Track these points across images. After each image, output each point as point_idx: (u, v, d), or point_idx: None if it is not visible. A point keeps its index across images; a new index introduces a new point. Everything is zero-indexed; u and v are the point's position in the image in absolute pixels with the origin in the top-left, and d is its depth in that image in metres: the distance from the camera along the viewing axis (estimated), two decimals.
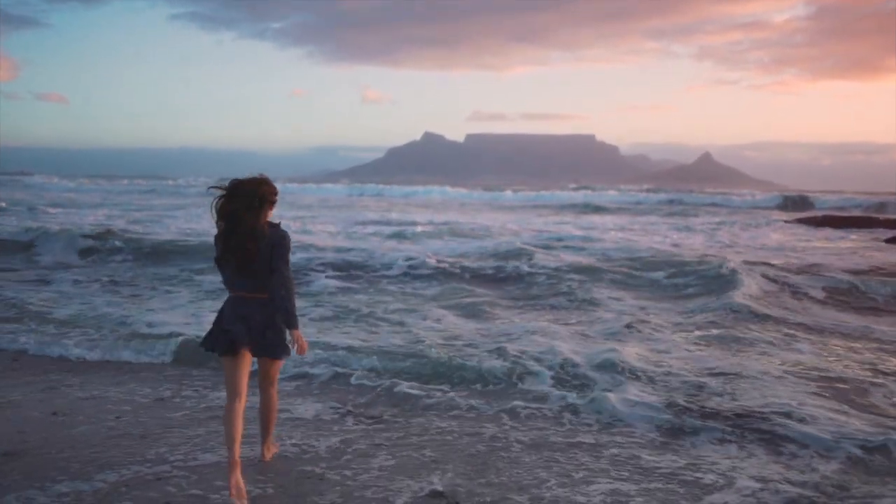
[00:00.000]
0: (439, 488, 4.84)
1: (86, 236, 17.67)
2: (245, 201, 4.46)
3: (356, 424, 6.20)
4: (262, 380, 4.98)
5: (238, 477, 4.51)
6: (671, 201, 56.45)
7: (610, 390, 7.00)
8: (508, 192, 69.85)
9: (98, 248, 16.96)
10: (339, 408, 6.64)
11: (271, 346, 4.69)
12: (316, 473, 5.09)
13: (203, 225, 25.51)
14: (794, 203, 53.06)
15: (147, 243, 17.74)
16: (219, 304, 5.00)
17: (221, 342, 4.64)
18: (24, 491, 4.69)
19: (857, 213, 43.73)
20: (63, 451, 5.39)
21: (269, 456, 5.25)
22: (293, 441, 5.70)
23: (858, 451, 5.54)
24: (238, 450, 4.56)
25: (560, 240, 22.56)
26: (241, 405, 4.65)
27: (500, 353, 8.29)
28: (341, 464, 5.29)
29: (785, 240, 25.32)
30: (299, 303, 5.68)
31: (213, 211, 4.54)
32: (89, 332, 9.40)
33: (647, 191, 71.86)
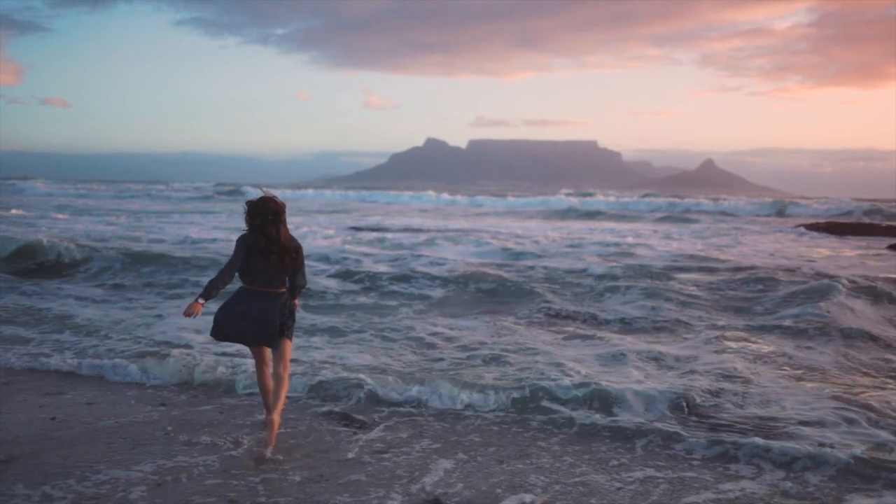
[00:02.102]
0: (439, 492, 4.83)
1: (82, 244, 17.26)
2: (279, 220, 5.52)
3: (367, 428, 6.17)
4: (275, 361, 5.73)
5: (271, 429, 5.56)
6: (656, 208, 55.10)
7: (623, 400, 6.85)
8: (510, 198, 69.68)
9: (94, 256, 16.22)
10: (344, 413, 6.59)
11: (282, 332, 5.66)
12: (349, 459, 5.40)
13: (199, 232, 25.47)
14: (790, 209, 52.76)
15: (144, 250, 17.53)
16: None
17: (235, 334, 5.58)
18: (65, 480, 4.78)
19: (851, 219, 43.66)
20: (69, 451, 5.35)
21: (278, 420, 5.66)
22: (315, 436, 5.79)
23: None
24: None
25: (564, 244, 22.47)
26: (268, 368, 5.80)
27: (524, 365, 8.16)
28: (367, 453, 5.41)
29: (790, 247, 25.22)
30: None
31: (254, 227, 5.50)
32: (94, 343, 9.27)
33: (644, 196, 70.72)
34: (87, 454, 5.41)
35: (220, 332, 5.61)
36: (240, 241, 5.56)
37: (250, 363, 7.16)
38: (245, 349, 6.74)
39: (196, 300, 5.37)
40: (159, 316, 10.85)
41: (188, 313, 5.32)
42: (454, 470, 5.31)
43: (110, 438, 5.80)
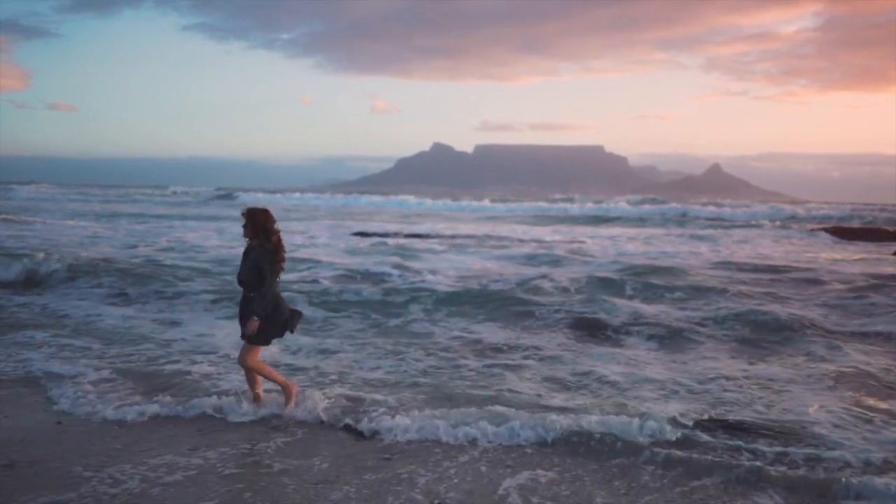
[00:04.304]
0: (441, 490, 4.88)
1: (80, 256, 16.24)
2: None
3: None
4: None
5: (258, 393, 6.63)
6: (664, 212, 54.76)
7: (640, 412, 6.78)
8: (515, 203, 69.70)
9: (92, 264, 15.20)
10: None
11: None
12: (362, 462, 5.32)
13: (195, 237, 25.44)
14: (797, 214, 52.62)
15: (145, 258, 17.40)
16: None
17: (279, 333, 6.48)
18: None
19: (856, 223, 43.73)
20: (78, 453, 5.35)
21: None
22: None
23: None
24: (260, 389, 6.62)
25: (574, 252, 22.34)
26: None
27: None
28: (378, 458, 5.39)
29: (800, 251, 25.09)
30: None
31: (271, 234, 6.29)
32: (95, 351, 9.22)
33: (643, 202, 70.03)
34: (100, 454, 5.44)
35: (270, 337, 6.44)
36: (267, 257, 6.21)
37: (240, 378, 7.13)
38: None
39: (256, 319, 6.17)
40: (175, 323, 10.63)
41: (251, 330, 6.19)
42: (461, 473, 5.31)
43: (126, 440, 5.82)
